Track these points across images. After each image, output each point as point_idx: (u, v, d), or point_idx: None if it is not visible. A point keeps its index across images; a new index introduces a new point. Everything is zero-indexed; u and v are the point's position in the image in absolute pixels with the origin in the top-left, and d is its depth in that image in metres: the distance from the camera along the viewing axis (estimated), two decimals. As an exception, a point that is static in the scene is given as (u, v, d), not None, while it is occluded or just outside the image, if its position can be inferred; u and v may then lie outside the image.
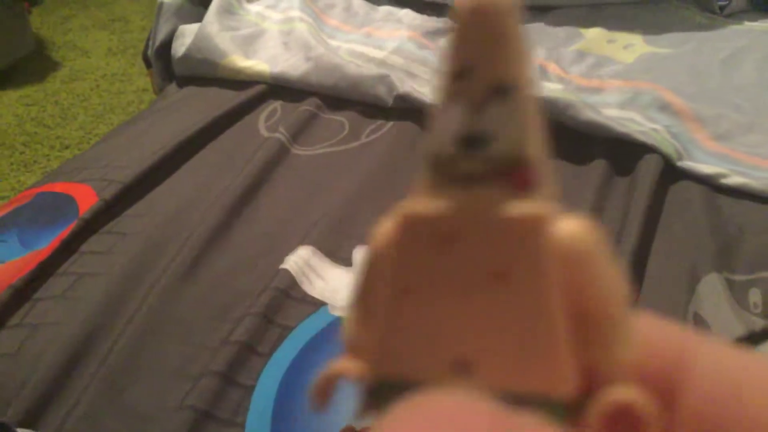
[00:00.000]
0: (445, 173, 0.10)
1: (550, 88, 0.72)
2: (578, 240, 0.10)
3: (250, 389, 0.47)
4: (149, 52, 0.94)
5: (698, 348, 0.11)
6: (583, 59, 0.82)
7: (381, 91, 0.78)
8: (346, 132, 0.76)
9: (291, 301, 0.54)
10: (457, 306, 0.10)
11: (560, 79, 0.76)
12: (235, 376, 0.48)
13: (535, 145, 0.10)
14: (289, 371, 0.49)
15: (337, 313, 0.53)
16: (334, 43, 0.88)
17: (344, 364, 0.11)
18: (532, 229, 0.09)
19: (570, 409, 0.09)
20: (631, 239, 0.56)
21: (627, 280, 0.10)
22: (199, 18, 0.92)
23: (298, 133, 0.75)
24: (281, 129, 0.75)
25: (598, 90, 0.75)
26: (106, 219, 0.64)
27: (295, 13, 0.91)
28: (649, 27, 0.88)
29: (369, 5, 0.99)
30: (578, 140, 0.69)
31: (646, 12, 0.92)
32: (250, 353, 0.50)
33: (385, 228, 0.10)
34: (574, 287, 0.10)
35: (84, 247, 0.60)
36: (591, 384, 0.10)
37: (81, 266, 0.58)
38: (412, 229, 0.10)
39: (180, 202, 0.66)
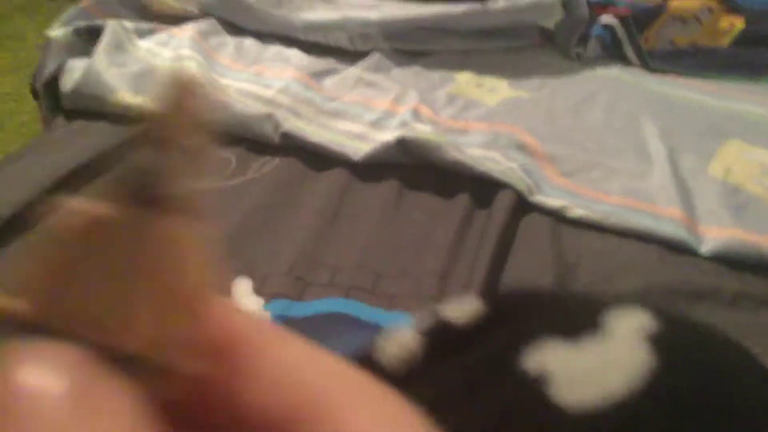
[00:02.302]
0: (119, 193, 0.13)
1: (422, 130, 0.79)
2: (173, 238, 0.13)
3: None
4: (37, 84, 0.95)
5: (269, 344, 0.13)
6: (454, 102, 0.90)
7: (267, 128, 0.82)
8: (233, 167, 0.80)
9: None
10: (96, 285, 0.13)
11: (431, 122, 0.83)
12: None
13: (180, 188, 0.13)
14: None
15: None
16: (224, 81, 0.92)
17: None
18: (146, 236, 0.13)
19: (141, 362, 0.13)
20: (484, 266, 0.64)
21: (213, 271, 0.13)
22: (87, 53, 0.93)
23: (185, 169, 0.78)
24: (168, 165, 0.77)
25: (463, 131, 0.83)
26: (-16, 256, 0.64)
27: (186, 51, 0.94)
28: (513, 72, 0.98)
29: (260, 45, 1.03)
30: (446, 177, 0.76)
31: (511, 58, 1.02)
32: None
33: (62, 217, 0.13)
34: (169, 269, 0.13)
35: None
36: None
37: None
38: (72, 219, 0.13)
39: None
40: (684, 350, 0.20)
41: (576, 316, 0.21)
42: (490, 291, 0.62)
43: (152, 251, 0.13)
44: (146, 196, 0.13)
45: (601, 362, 0.19)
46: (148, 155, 0.13)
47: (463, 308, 0.22)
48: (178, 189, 0.13)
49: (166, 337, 0.13)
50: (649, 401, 0.18)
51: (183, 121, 0.13)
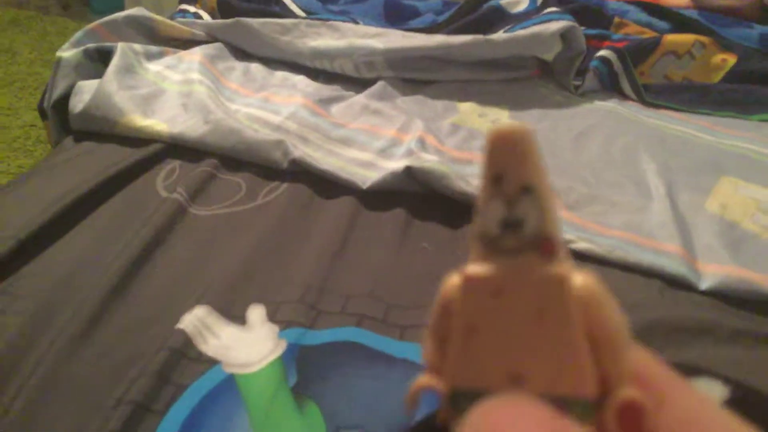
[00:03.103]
0: (491, 247, 0.14)
1: (428, 159, 0.81)
2: (591, 289, 0.14)
3: (145, 446, 0.51)
4: (45, 104, 0.95)
5: (676, 389, 0.14)
6: (457, 132, 0.92)
7: (277, 155, 0.84)
8: (243, 193, 0.81)
9: (186, 360, 0.58)
10: (510, 337, 0.14)
11: (437, 151, 0.85)
12: (130, 434, 0.51)
13: (554, 225, 0.14)
14: (182, 428, 0.53)
15: (230, 370, 0.58)
16: (233, 106, 0.93)
17: (426, 379, 0.15)
18: (559, 283, 0.14)
19: (592, 407, 0.14)
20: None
21: (624, 317, 0.14)
22: (97, 74, 0.94)
23: (196, 194, 0.79)
24: (179, 189, 0.78)
25: (468, 162, 0.85)
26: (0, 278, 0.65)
27: (195, 75, 0.95)
28: (514, 103, 1.00)
29: (267, 70, 1.05)
30: (452, 207, 0.78)
31: (512, 89, 1.05)
32: (144, 412, 0.53)
33: (452, 283, 0.15)
34: (590, 322, 0.14)
35: (-24, 309, 0.60)
36: (604, 391, 0.14)
37: (-27, 329, 0.59)
38: (473, 285, 0.14)
39: (76, 261, 0.68)
40: (758, 416, 0.21)
41: None
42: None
43: (559, 298, 0.14)
44: (533, 245, 0.14)
45: None
46: (528, 205, 0.14)
47: None
48: (555, 233, 0.14)
49: (608, 377, 0.14)
50: None
51: (531, 166, 0.14)
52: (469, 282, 0.14)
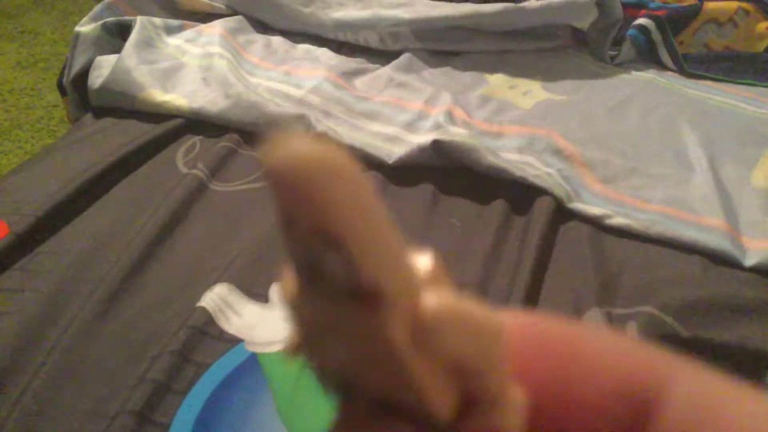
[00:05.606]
0: (309, 282, 0.11)
1: (456, 133, 0.78)
2: (442, 311, 0.11)
3: (165, 427, 0.49)
4: (65, 80, 0.94)
5: (676, 374, 0.11)
6: (486, 104, 0.88)
7: (299, 130, 0.81)
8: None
9: (207, 339, 0.56)
10: (349, 365, 0.11)
11: (465, 124, 0.82)
12: (150, 414, 0.50)
13: (379, 272, 0.10)
14: (205, 408, 0.51)
15: (253, 349, 0.56)
16: (253, 80, 0.91)
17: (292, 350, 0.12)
18: (384, 340, 0.10)
19: (450, 425, 0.12)
20: (525, 275, 0.62)
21: (499, 327, 0.11)
22: (116, 49, 0.93)
23: (216, 170, 0.77)
24: (200, 165, 0.76)
25: (498, 135, 0.82)
26: (18, 255, 0.64)
27: (215, 48, 0.93)
28: (547, 74, 0.96)
29: (288, 43, 1.02)
30: (481, 181, 0.75)
31: (544, 60, 1.00)
32: (165, 391, 0.51)
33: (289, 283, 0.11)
34: (444, 351, 0.11)
35: (-5, 286, 0.59)
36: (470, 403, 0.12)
37: (-8, 306, 0.58)
38: (295, 312, 0.11)
39: (95, 238, 0.66)
40: None
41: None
42: (531, 301, 0.61)
43: (389, 354, 0.11)
44: (352, 297, 0.11)
45: None
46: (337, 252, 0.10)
47: None
48: (382, 281, 0.11)
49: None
50: None
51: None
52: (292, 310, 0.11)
